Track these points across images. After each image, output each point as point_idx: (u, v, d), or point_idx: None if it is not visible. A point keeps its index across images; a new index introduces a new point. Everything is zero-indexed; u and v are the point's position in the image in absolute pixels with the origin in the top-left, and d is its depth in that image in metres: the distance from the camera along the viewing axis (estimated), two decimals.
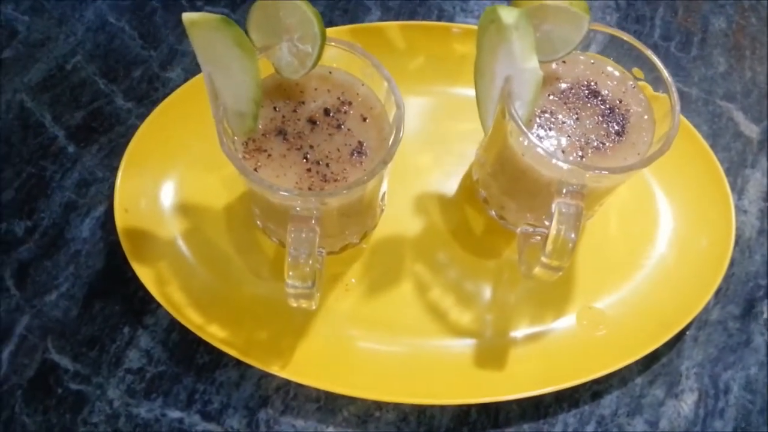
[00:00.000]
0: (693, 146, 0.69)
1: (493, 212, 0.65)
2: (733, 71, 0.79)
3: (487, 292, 0.64)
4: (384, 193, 0.62)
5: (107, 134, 0.69)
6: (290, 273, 0.50)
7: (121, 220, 0.62)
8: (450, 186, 0.68)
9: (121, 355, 0.61)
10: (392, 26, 0.72)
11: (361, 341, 0.61)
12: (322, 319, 0.61)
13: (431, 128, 0.71)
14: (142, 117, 0.67)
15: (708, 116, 0.76)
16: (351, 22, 0.77)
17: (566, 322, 0.63)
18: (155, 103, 0.69)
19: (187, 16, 0.45)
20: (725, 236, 0.65)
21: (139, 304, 0.62)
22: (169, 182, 0.65)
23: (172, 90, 0.68)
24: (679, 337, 0.63)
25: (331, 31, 0.69)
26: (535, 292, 0.63)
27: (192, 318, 0.59)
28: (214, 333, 0.59)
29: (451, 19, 0.79)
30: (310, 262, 0.49)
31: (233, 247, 0.63)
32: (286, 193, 0.48)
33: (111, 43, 0.75)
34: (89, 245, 0.64)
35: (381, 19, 0.78)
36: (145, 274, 0.60)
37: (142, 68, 0.73)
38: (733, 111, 0.76)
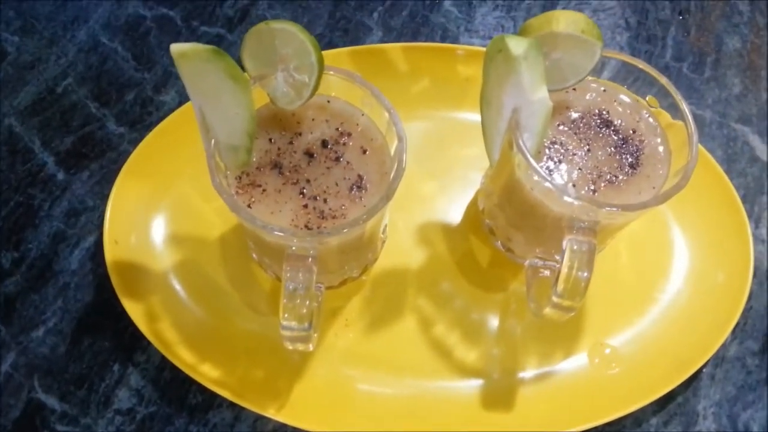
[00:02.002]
0: (707, 172, 0.66)
1: (500, 244, 0.62)
2: (748, 93, 0.76)
3: (493, 328, 0.61)
4: (386, 226, 0.59)
5: (98, 160, 0.67)
6: (286, 315, 0.47)
7: (110, 252, 0.59)
8: (454, 214, 0.66)
9: (111, 394, 0.58)
10: (394, 48, 0.70)
11: (361, 381, 0.58)
12: (320, 357, 0.59)
13: (435, 153, 0.68)
14: (135, 142, 0.65)
15: (722, 140, 0.73)
16: (352, 42, 0.75)
17: (577, 360, 0.60)
18: (149, 127, 0.66)
19: (176, 48, 0.42)
20: (743, 267, 0.62)
21: (130, 340, 0.59)
22: (162, 212, 0.62)
23: (166, 114, 0.66)
24: (696, 374, 0.60)
25: (330, 54, 0.67)
26: (543, 328, 0.61)
27: (183, 356, 0.56)
28: (207, 372, 0.56)
29: (455, 39, 0.76)
30: (307, 302, 0.47)
31: (228, 280, 0.61)
32: (281, 233, 0.46)
33: (103, 64, 0.72)
34: (78, 278, 0.62)
35: (383, 40, 0.75)
36: (134, 309, 0.57)
37: (136, 91, 0.71)
38: (748, 134, 0.73)
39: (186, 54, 0.43)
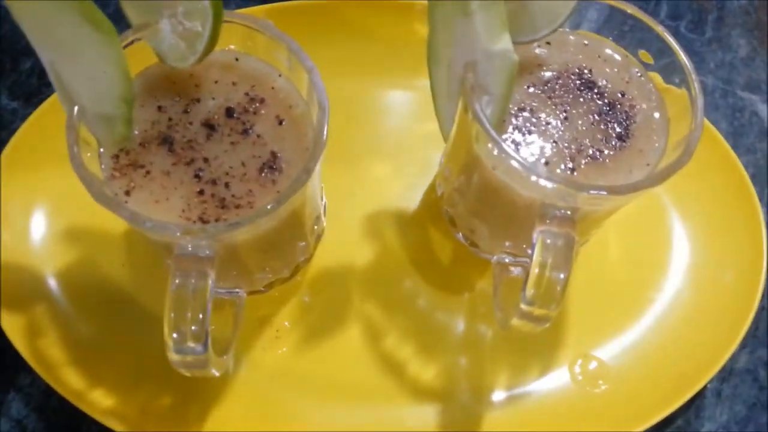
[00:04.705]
0: (711, 147, 0.56)
1: (462, 236, 0.51)
2: (755, 56, 0.66)
3: (456, 338, 0.51)
4: (319, 216, 0.48)
5: None
6: (173, 335, 0.36)
7: None
8: (410, 202, 0.55)
9: None
10: (342, 3, 0.59)
11: (295, 406, 0.48)
12: (244, 378, 0.49)
13: (388, 129, 0.58)
14: None
15: (727, 110, 0.63)
16: None
17: (557, 376, 0.50)
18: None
19: None
20: (754, 261, 0.53)
21: (12, 360, 0.48)
22: (52, 201, 0.52)
23: None
24: (699, 391, 0.50)
25: (264, 9, 0.58)
26: (517, 338, 0.50)
27: (70, 381, 0.46)
28: (100, 401, 0.46)
29: None
30: (200, 316, 0.36)
31: (133, 286, 0.51)
32: (163, 230, 0.35)
33: None
34: None
35: None
36: (10, 321, 0.47)
37: (33, 59, 0.60)
38: (757, 104, 0.63)
39: None
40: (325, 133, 0.37)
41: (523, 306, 0.39)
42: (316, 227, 0.48)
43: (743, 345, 0.53)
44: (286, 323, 0.50)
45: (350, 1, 0.59)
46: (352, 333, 0.50)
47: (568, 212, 0.39)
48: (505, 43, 0.37)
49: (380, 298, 0.52)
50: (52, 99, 0.53)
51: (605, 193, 0.37)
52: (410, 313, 0.51)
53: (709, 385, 0.51)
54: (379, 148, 0.56)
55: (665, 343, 0.51)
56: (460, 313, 0.52)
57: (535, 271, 0.38)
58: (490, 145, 0.38)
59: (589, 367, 0.50)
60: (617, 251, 0.54)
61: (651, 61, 0.44)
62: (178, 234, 0.35)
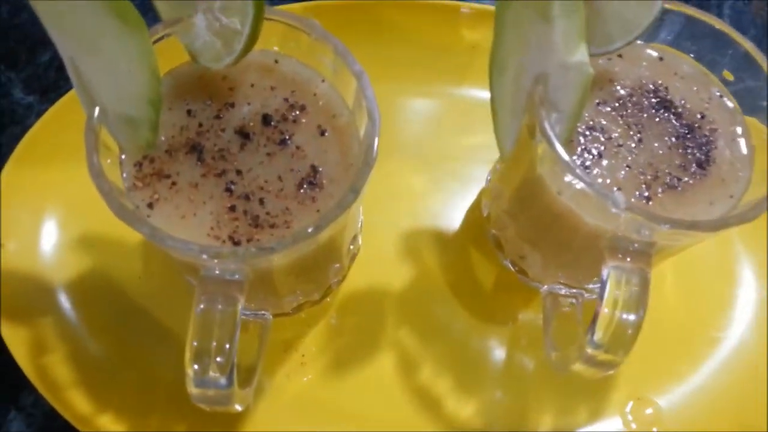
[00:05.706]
0: None
1: (509, 262, 0.47)
2: None
3: (497, 373, 0.47)
4: (356, 235, 0.44)
5: None
6: (194, 366, 0.32)
7: None
8: (451, 221, 0.51)
9: None
10: (385, 4, 0.55)
11: None
12: (265, 406, 0.45)
13: (429, 140, 0.54)
14: None
15: None
16: None
17: (608, 421, 0.46)
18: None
19: None
20: None
21: (14, 377, 0.45)
22: (65, 205, 0.48)
23: None
24: None
25: (301, 7, 0.55)
26: (564, 377, 0.46)
27: (76, 404, 0.43)
28: (107, 427, 0.43)
29: None
30: (227, 346, 0.32)
31: (149, 299, 0.47)
32: (188, 250, 0.31)
33: (14, 17, 0.58)
34: None
35: None
36: (15, 336, 0.44)
37: (51, 51, 0.57)
38: None
39: None
40: (375, 147, 0.32)
41: (589, 350, 0.35)
42: (351, 247, 0.44)
43: None
44: (313, 348, 0.47)
45: (395, 1, 0.55)
46: (383, 362, 0.47)
47: (643, 246, 0.34)
48: (581, 54, 0.33)
49: (415, 325, 0.48)
50: (71, 94, 0.50)
51: (689, 229, 0.33)
52: (447, 343, 0.48)
53: None
54: (419, 161, 0.53)
55: (728, 387, 0.46)
56: (502, 346, 0.48)
57: (605, 311, 0.34)
58: (557, 168, 0.34)
59: (643, 412, 0.45)
60: (676, 285, 0.49)
61: (733, 79, 0.39)
62: (205, 257, 0.31)
